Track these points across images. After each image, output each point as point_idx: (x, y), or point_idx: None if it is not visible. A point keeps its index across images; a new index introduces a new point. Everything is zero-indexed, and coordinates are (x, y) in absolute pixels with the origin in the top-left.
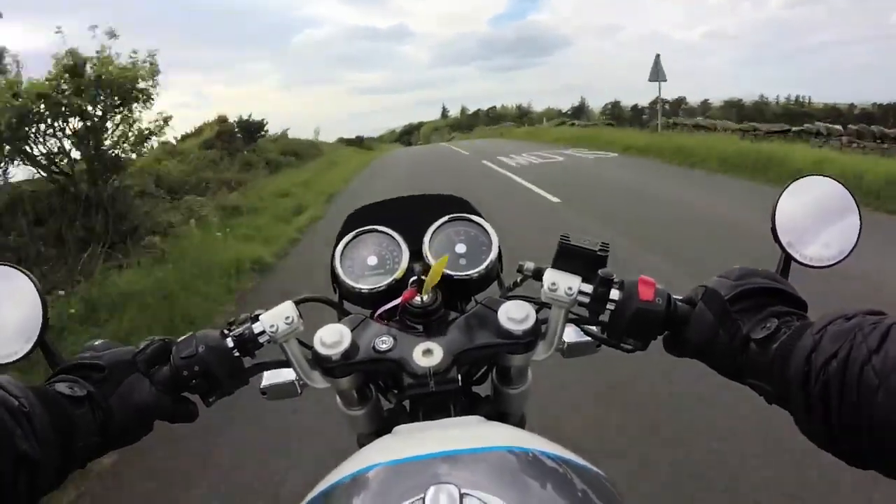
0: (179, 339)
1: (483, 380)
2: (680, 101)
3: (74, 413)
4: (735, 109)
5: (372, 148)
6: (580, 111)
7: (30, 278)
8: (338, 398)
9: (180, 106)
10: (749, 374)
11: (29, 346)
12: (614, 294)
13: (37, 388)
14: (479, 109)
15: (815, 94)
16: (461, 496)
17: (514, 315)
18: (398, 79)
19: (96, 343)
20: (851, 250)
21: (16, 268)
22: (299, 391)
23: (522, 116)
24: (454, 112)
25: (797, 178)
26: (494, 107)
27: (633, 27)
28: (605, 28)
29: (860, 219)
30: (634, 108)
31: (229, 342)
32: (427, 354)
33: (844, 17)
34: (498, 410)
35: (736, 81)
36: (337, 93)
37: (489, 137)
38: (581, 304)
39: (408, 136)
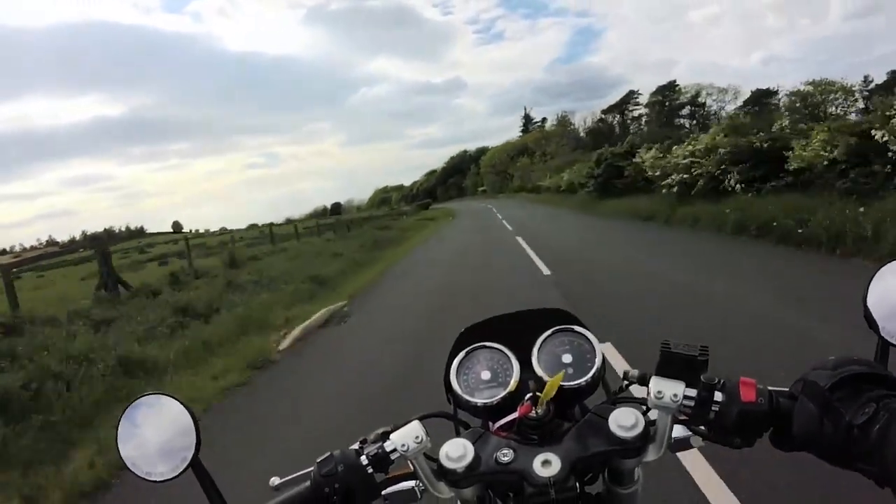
0: (319, 459)
1: (595, 480)
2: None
3: None
4: None
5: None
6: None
7: (182, 404)
8: None
9: (254, 166)
10: (857, 459)
11: (183, 467)
12: (717, 396)
13: None
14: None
15: None
16: None
17: (624, 422)
18: (456, 130)
19: None
20: None
21: (168, 395)
22: (420, 496)
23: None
24: (550, 117)
25: (886, 263)
26: (675, 83)
27: (687, 60)
28: (660, 63)
29: None
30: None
31: (364, 460)
32: (546, 465)
33: None
34: None
35: None
36: (397, 147)
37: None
38: (686, 407)
39: (456, 177)
